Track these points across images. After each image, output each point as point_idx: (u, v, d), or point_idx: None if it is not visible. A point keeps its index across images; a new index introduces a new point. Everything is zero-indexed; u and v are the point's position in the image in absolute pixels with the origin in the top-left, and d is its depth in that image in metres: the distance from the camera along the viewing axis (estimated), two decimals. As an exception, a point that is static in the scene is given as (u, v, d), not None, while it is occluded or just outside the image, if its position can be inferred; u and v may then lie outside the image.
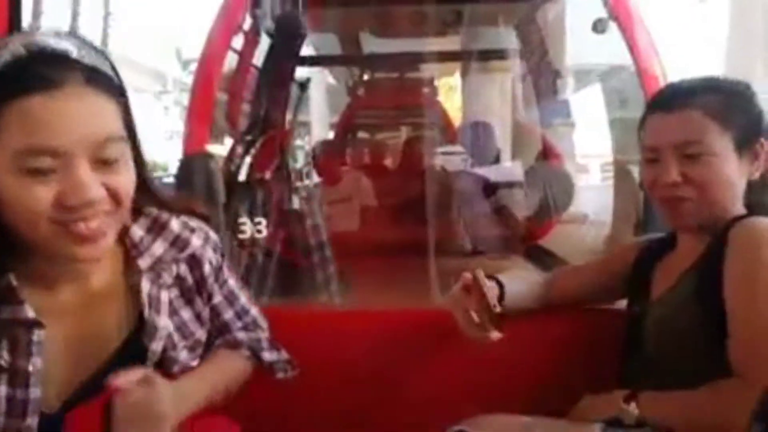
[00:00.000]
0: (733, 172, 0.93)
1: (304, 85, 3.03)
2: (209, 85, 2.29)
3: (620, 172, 2.36)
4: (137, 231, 0.80)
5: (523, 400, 1.00)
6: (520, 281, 1.09)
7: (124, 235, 0.77)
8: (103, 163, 0.67)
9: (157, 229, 0.81)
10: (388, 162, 3.75)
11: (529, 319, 1.07)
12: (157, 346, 0.77)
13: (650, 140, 0.96)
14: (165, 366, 0.78)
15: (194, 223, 0.85)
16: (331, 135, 6.11)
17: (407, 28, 3.11)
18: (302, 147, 7.78)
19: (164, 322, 0.79)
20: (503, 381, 1.08)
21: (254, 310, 0.94)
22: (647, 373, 0.94)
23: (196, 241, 0.83)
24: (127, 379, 0.69)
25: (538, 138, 2.86)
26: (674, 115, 0.93)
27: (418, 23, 2.79)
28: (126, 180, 0.70)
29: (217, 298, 0.88)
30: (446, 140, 2.91)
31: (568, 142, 2.80)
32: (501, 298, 1.02)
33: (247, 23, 2.44)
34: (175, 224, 0.83)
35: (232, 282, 0.90)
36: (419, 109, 3.07)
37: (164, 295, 0.80)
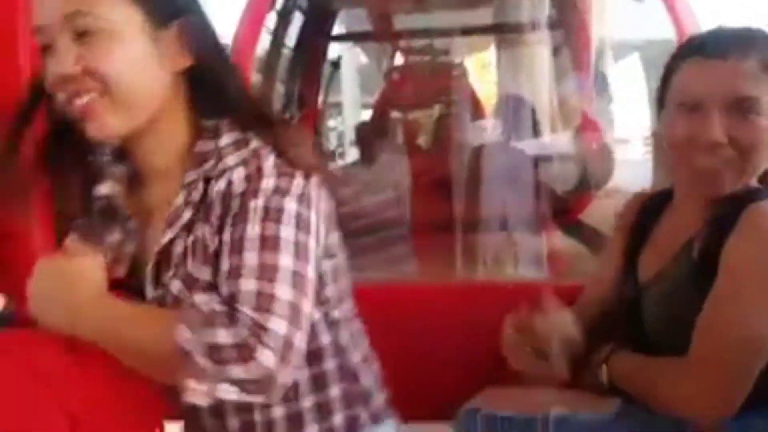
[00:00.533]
0: None
1: (336, 64, 3.04)
2: (243, 67, 2.33)
3: (660, 145, 2.29)
4: (208, 144, 0.74)
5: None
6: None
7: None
8: (78, 37, 0.68)
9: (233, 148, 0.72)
10: (422, 140, 3.75)
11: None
12: (169, 281, 0.73)
13: (693, 90, 0.82)
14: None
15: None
16: (364, 116, 6.12)
17: (438, 2, 3.08)
18: (334, 128, 7.80)
19: (178, 250, 0.74)
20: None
21: (253, 286, 0.64)
22: (648, 347, 0.86)
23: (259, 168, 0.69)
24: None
25: (577, 111, 2.81)
26: (728, 63, 0.80)
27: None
28: (106, 57, 0.69)
29: (227, 235, 0.68)
30: (477, 116, 2.90)
31: (607, 115, 2.74)
32: None
33: (280, 2, 2.45)
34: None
35: (271, 233, 0.67)
36: (449, 89, 3.06)
37: (186, 215, 0.73)
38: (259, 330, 0.62)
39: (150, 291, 0.75)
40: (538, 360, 0.82)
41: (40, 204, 0.84)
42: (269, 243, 0.67)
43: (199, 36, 0.73)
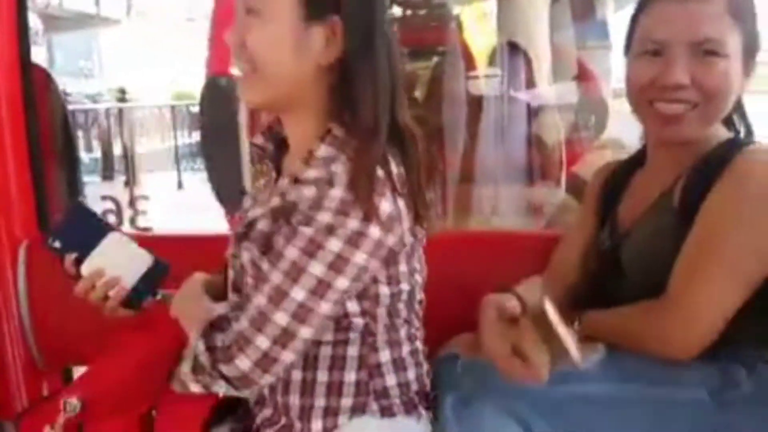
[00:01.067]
0: (738, 83, 0.83)
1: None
2: (230, 8, 2.26)
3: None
4: (315, 147, 0.79)
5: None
6: (538, 289, 0.91)
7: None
8: (247, 12, 0.76)
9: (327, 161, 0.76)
10: (418, 93, 3.71)
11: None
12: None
13: (656, 33, 0.82)
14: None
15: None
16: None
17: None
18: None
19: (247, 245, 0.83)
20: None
21: (259, 302, 0.74)
22: (626, 299, 0.86)
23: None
24: None
25: (574, 61, 2.78)
26: (692, 5, 0.80)
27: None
28: (255, 34, 0.75)
29: (278, 248, 0.75)
30: (470, 68, 2.87)
31: (605, 64, 2.71)
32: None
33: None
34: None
35: (301, 264, 0.73)
36: (445, 41, 3.01)
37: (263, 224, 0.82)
38: (242, 340, 0.75)
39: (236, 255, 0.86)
40: (514, 357, 0.76)
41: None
42: (293, 272, 0.73)
43: (351, 36, 0.76)
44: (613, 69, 2.76)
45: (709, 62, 0.80)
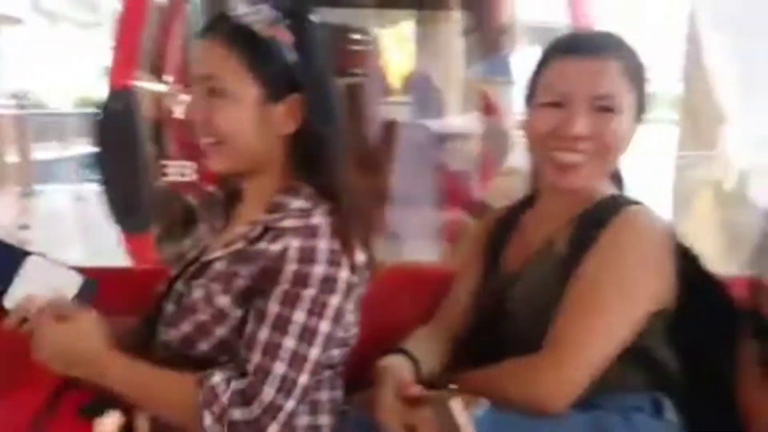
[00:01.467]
0: (629, 139, 0.88)
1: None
2: (137, 18, 2.17)
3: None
4: (285, 199, 0.84)
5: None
6: (429, 343, 0.95)
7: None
8: (208, 93, 0.84)
9: (293, 215, 0.81)
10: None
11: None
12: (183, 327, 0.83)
13: (560, 85, 0.85)
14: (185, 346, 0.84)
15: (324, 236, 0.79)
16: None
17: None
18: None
19: (197, 295, 0.84)
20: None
21: (282, 370, 0.76)
22: (517, 350, 0.85)
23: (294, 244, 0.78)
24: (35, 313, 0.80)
25: (481, 93, 2.93)
26: (596, 62, 0.85)
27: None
28: (222, 114, 0.82)
29: (266, 307, 0.78)
30: (385, 93, 2.95)
31: (508, 98, 2.87)
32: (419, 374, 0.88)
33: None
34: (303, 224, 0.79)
35: (301, 316, 0.77)
36: (362, 63, 3.08)
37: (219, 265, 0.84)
38: (272, 410, 0.76)
39: (177, 287, 0.88)
40: None
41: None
42: (307, 335, 0.77)
43: (309, 108, 0.83)
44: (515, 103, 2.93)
45: (606, 117, 0.84)
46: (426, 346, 0.94)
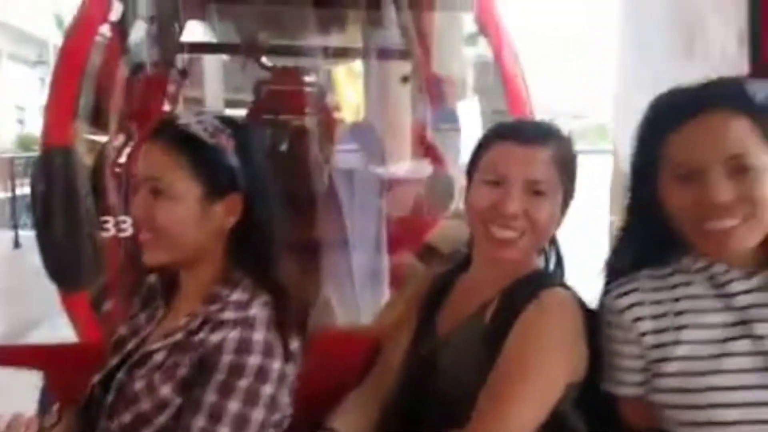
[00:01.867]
0: (557, 221, 0.95)
1: (184, 72, 2.97)
2: (73, 74, 2.14)
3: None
4: (223, 291, 0.88)
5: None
6: (358, 411, 0.99)
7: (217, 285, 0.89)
8: (152, 192, 0.89)
9: (233, 308, 0.85)
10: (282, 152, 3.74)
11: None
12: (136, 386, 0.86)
13: (499, 167, 0.93)
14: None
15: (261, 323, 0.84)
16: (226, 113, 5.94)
17: (291, 26, 3.12)
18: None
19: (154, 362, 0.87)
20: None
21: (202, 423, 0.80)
22: (442, 412, 0.90)
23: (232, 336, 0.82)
24: None
25: (425, 140, 3.01)
26: (532, 150, 0.92)
27: (299, 24, 2.82)
28: (163, 211, 0.87)
29: (203, 396, 0.81)
30: (331, 139, 3.00)
31: (455, 146, 2.96)
32: None
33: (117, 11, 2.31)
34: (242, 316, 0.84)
35: (235, 406, 0.80)
36: (308, 107, 3.12)
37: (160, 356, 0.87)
38: None
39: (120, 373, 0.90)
40: None
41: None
42: (240, 423, 0.80)
43: (249, 206, 0.88)
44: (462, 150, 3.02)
45: (539, 199, 0.92)
46: (354, 418, 0.97)
